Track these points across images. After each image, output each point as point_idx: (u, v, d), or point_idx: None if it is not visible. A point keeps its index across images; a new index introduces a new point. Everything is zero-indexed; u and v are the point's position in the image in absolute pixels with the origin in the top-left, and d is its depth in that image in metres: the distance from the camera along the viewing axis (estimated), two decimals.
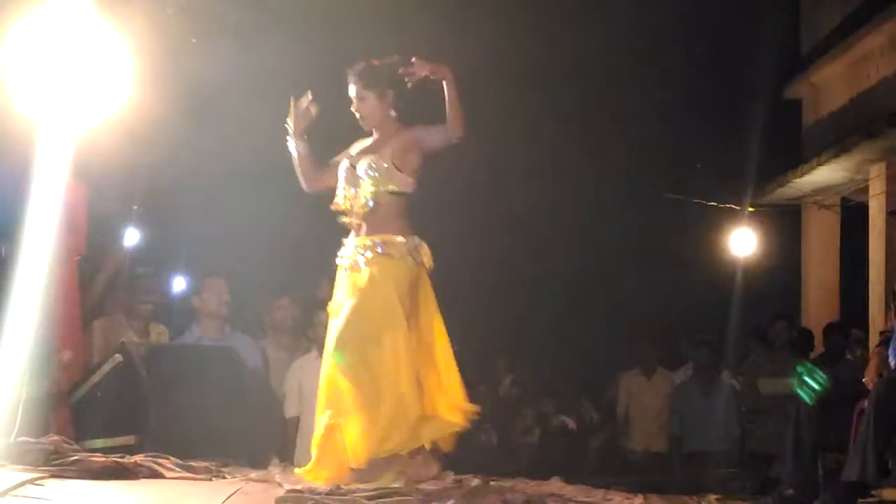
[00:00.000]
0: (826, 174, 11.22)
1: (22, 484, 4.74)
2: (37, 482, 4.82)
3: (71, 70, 5.59)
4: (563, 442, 9.46)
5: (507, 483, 6.55)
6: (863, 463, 5.54)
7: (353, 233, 5.61)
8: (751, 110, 12.23)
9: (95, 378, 6.69)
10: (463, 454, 8.55)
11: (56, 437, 5.65)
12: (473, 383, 9.57)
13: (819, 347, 9.51)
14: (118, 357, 6.61)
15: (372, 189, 5.48)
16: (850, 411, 5.92)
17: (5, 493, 4.59)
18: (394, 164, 5.51)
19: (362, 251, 5.51)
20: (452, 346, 9.32)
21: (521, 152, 11.43)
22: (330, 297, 8.47)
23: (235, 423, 6.01)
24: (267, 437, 7.45)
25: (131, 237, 7.96)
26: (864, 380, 6.27)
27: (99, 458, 5.27)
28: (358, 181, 5.54)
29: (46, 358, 6.14)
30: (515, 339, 10.23)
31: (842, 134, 10.81)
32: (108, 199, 7.27)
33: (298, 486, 5.52)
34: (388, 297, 5.42)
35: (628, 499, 6.08)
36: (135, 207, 7.58)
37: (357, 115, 5.63)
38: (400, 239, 5.51)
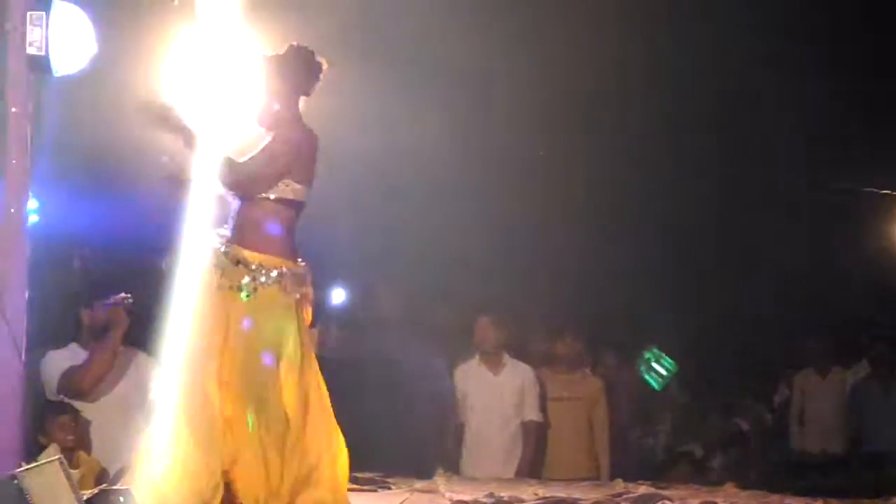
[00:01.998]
0: None
1: None
2: None
3: (221, 87, 5.76)
4: (737, 446, 9.34)
5: (678, 489, 6.52)
6: None
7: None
8: None
9: None
10: (630, 461, 8.53)
11: None
12: (642, 390, 9.56)
13: None
14: None
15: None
16: None
17: None
18: None
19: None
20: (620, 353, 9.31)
21: (692, 148, 11.44)
22: (491, 302, 8.57)
23: (400, 433, 6.07)
24: (431, 447, 7.55)
25: None
26: None
27: None
28: None
29: None
30: (681, 344, 10.11)
31: None
32: None
33: (465, 497, 5.58)
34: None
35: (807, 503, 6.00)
36: None
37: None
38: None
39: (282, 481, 4.68)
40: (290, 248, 4.93)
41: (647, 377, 8.48)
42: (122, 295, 6.43)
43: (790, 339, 10.16)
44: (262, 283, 4.78)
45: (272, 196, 4.86)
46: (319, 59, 5.03)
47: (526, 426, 8.17)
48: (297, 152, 4.93)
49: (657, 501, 5.64)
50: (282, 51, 5.03)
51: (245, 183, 4.89)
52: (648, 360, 8.45)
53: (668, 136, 11.37)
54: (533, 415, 8.19)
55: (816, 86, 11.56)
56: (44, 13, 4.11)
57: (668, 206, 11.78)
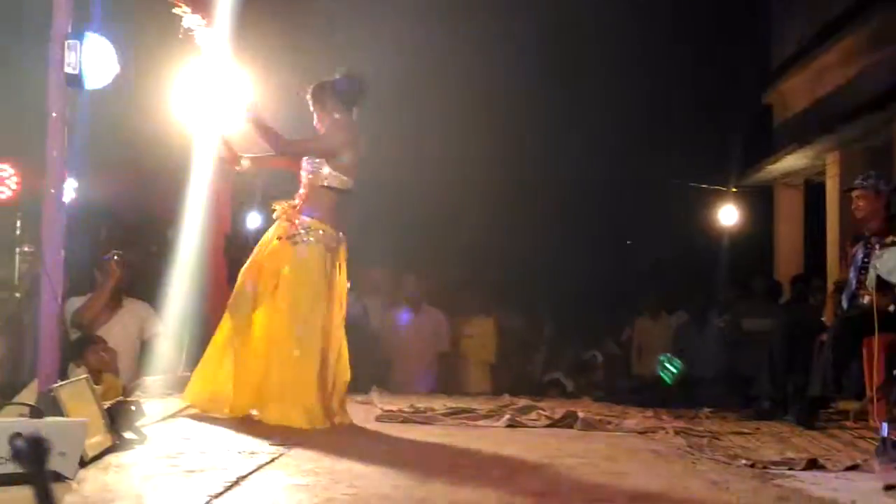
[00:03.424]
0: (792, 161, 11.12)
1: (186, 408, 4.86)
2: None
3: (215, 97, 5.68)
4: (593, 371, 9.45)
5: (549, 402, 6.60)
6: (823, 381, 5.49)
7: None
8: (734, 114, 12.29)
9: None
10: (515, 381, 8.60)
11: None
12: (524, 330, 9.63)
13: (787, 294, 9.40)
14: None
15: (310, 179, 4.94)
16: (812, 342, 5.86)
17: (175, 414, 4.71)
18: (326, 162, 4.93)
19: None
20: (509, 302, 9.25)
21: (564, 149, 11.57)
22: (415, 264, 8.57)
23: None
24: (368, 372, 7.54)
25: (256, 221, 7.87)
26: (822, 318, 6.24)
27: None
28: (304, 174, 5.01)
29: (200, 311, 6.26)
30: (554, 296, 10.21)
31: (804, 130, 10.72)
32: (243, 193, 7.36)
33: (392, 407, 5.58)
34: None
35: (641, 412, 6.09)
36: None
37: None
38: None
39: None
40: (334, 220, 4.91)
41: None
42: (113, 252, 6.26)
43: (632, 294, 10.31)
44: (309, 241, 4.81)
45: (325, 183, 4.88)
46: (365, 79, 5.04)
47: (439, 355, 8.21)
48: (349, 142, 4.93)
49: (533, 410, 5.69)
50: (337, 76, 5.01)
51: (301, 150, 4.95)
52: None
53: (559, 153, 11.54)
54: (444, 347, 8.23)
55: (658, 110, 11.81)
56: (78, 41, 4.03)
57: (561, 198, 11.91)
